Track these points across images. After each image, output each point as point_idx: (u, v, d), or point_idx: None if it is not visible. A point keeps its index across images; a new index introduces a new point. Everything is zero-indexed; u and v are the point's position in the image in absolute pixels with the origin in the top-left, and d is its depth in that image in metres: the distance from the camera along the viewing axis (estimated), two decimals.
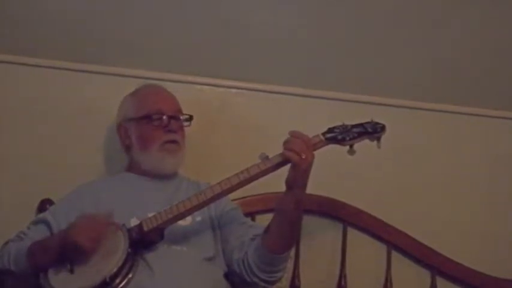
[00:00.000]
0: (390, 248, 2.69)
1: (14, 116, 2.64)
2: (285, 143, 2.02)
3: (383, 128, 2.10)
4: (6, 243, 2.20)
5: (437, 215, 2.78)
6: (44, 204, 2.49)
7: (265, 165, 2.04)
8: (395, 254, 2.70)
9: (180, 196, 2.22)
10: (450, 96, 2.84)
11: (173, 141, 2.30)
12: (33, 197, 2.52)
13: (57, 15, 2.58)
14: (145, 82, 2.48)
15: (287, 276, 2.54)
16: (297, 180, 2.03)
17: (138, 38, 2.65)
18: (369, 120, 2.11)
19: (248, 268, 2.13)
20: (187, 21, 2.64)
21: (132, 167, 2.37)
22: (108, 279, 1.95)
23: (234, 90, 2.77)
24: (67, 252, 2.00)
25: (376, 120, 2.13)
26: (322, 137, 2.07)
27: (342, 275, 2.64)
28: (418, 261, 2.71)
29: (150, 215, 2.09)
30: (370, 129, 2.09)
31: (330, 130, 2.08)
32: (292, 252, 2.32)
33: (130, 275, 2.00)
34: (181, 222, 2.14)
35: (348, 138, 2.07)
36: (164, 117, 2.31)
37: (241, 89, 2.77)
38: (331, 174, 2.62)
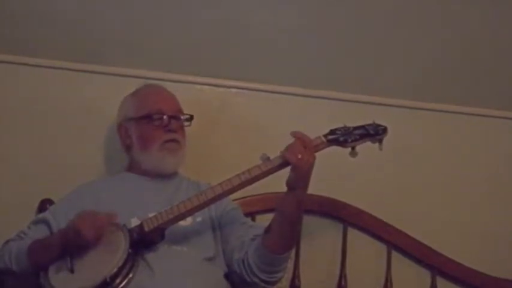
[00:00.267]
0: (390, 248, 2.69)
1: (14, 116, 2.63)
2: (288, 145, 2.02)
3: (385, 130, 2.11)
4: (7, 242, 2.20)
5: (437, 215, 2.78)
6: (44, 204, 2.49)
7: (266, 167, 2.05)
8: (395, 254, 2.70)
9: (180, 196, 2.23)
10: (450, 96, 2.84)
11: (173, 141, 2.30)
12: (33, 197, 2.52)
13: (57, 15, 2.58)
14: (146, 82, 2.48)
15: (287, 276, 2.54)
16: (297, 181, 2.03)
17: (138, 38, 2.65)
18: (370, 121, 2.11)
19: (248, 268, 2.13)
20: (187, 21, 2.64)
21: (133, 167, 2.37)
22: (108, 279, 1.95)
23: (234, 90, 2.77)
24: (69, 242, 2.01)
25: (376, 120, 2.13)
26: (323, 139, 2.07)
27: (342, 275, 2.64)
28: (418, 261, 2.71)
29: (151, 215, 2.10)
30: (372, 131, 2.10)
31: (332, 132, 2.09)
32: (293, 252, 2.32)
33: (130, 275, 2.00)
34: (181, 223, 2.14)
35: (349, 140, 2.07)
36: (165, 117, 2.31)
37: (241, 89, 2.77)
38: (332, 175, 2.62)
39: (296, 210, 2.07)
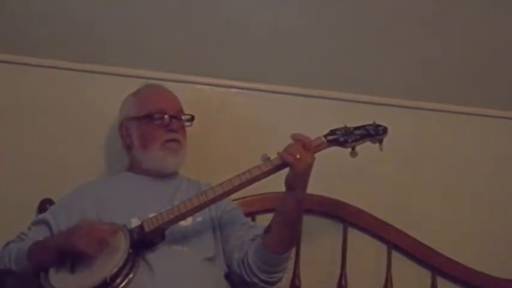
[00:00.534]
0: (390, 248, 2.69)
1: (14, 116, 2.63)
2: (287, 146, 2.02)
3: (385, 130, 2.11)
4: (7, 244, 2.19)
5: (437, 215, 2.78)
6: (44, 204, 2.49)
7: (267, 167, 2.05)
8: (395, 254, 2.70)
9: (180, 196, 2.23)
10: (450, 96, 2.84)
11: (174, 140, 2.31)
12: (33, 197, 2.52)
13: (57, 15, 2.58)
14: (146, 82, 2.49)
15: (287, 276, 2.54)
16: (295, 181, 2.03)
17: (138, 38, 2.65)
18: (370, 122, 2.12)
19: (248, 268, 2.13)
20: (188, 21, 2.64)
21: (133, 167, 2.37)
22: (108, 280, 1.95)
23: (234, 90, 2.77)
24: (67, 254, 2.01)
25: (376, 120, 2.13)
26: (324, 139, 2.07)
27: (342, 275, 2.64)
28: (418, 261, 2.71)
29: (151, 215, 2.10)
30: (372, 132, 2.10)
31: (332, 132, 2.09)
32: (293, 252, 2.31)
33: (131, 275, 2.00)
34: (182, 223, 2.14)
35: (350, 141, 2.08)
36: (166, 116, 2.31)
37: (242, 88, 2.77)
38: (332, 175, 2.62)
39: (295, 210, 2.07)
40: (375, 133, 2.10)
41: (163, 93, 2.41)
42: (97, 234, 1.99)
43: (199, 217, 2.20)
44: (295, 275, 2.61)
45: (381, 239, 2.71)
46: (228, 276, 2.21)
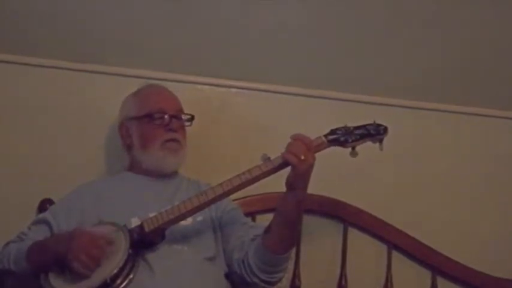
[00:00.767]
0: (391, 247, 2.69)
1: (14, 116, 2.63)
2: (288, 145, 2.02)
3: (385, 130, 2.11)
4: (7, 244, 2.19)
5: (437, 215, 2.78)
6: (44, 204, 2.49)
7: (267, 167, 2.04)
8: (395, 254, 2.70)
9: (180, 196, 2.23)
10: (450, 96, 2.84)
11: (174, 140, 2.31)
12: (33, 197, 2.53)
13: (57, 15, 2.58)
14: (146, 82, 2.49)
15: (287, 276, 2.54)
16: (297, 181, 2.03)
17: (138, 38, 2.65)
18: (371, 121, 2.11)
19: (248, 268, 2.13)
20: (188, 21, 2.64)
21: (133, 167, 2.38)
22: (109, 280, 1.95)
23: (234, 90, 2.77)
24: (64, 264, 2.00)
25: (377, 120, 2.13)
26: (324, 139, 2.07)
27: (343, 275, 2.64)
28: (418, 261, 2.71)
29: (151, 214, 2.10)
30: (372, 131, 2.09)
31: (332, 132, 2.08)
32: (293, 252, 2.31)
33: (131, 276, 2.00)
34: (182, 222, 2.14)
35: (350, 140, 2.07)
36: (166, 116, 2.31)
37: (242, 88, 2.77)
38: (332, 175, 2.62)
39: (296, 210, 2.07)
40: (375, 133, 2.10)
41: (164, 93, 2.41)
42: (92, 251, 1.97)
43: (199, 217, 2.20)
44: (295, 275, 2.61)
45: (381, 239, 2.71)
46: (228, 276, 2.21)
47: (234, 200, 2.37)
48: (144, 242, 2.06)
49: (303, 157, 1.98)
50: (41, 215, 2.29)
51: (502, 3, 2.65)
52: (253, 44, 2.70)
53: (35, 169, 2.60)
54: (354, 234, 2.70)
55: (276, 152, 2.04)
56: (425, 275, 2.71)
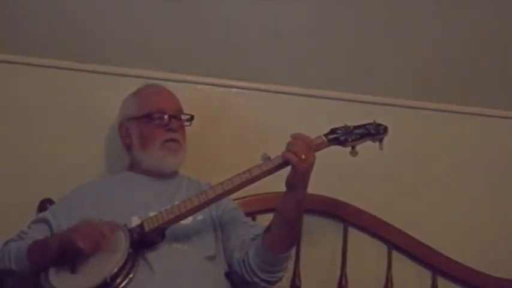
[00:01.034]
0: (391, 247, 2.69)
1: (14, 115, 2.63)
2: (288, 144, 2.02)
3: (385, 129, 2.11)
4: (7, 242, 2.19)
5: (437, 215, 2.78)
6: (44, 204, 2.49)
7: (267, 166, 2.04)
8: (395, 254, 2.70)
9: (180, 195, 2.23)
10: (450, 96, 2.84)
11: (174, 140, 2.31)
12: (33, 197, 2.52)
13: (57, 15, 2.58)
14: (146, 82, 2.49)
15: (288, 275, 2.54)
16: (297, 181, 2.03)
17: (138, 38, 2.65)
18: (371, 121, 2.11)
19: (248, 268, 2.13)
20: (188, 21, 2.64)
21: (133, 166, 2.38)
22: (109, 280, 1.95)
23: (234, 90, 2.77)
24: (66, 254, 2.00)
25: (376, 120, 2.13)
26: (324, 138, 2.07)
27: (343, 275, 2.64)
28: (418, 261, 2.71)
29: (151, 214, 2.10)
30: (372, 131, 2.10)
31: (332, 131, 2.08)
32: (293, 251, 2.31)
33: (131, 275, 2.00)
34: (182, 221, 2.13)
35: (350, 140, 2.07)
36: (165, 116, 2.31)
37: (242, 88, 2.77)
38: (332, 174, 2.62)
39: (296, 210, 2.07)
40: (375, 132, 2.10)
41: (163, 93, 2.41)
42: (96, 234, 1.99)
43: (199, 216, 2.20)
44: (296, 275, 2.61)
45: (381, 238, 2.71)
46: (228, 276, 2.21)
47: (234, 200, 2.37)
48: (144, 241, 2.06)
49: (303, 156, 1.98)
50: (41, 214, 2.29)
51: (502, 3, 2.65)
52: (253, 44, 2.70)
53: (35, 169, 2.60)
54: (354, 234, 2.69)
55: (276, 152, 2.04)
56: (426, 275, 2.71)
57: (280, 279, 2.18)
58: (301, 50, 2.72)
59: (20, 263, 2.09)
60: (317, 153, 2.04)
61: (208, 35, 2.68)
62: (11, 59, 2.64)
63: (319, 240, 2.69)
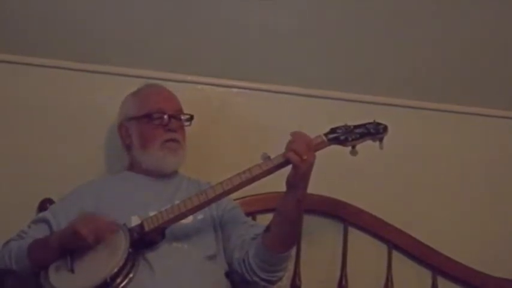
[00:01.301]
0: (391, 247, 2.69)
1: (14, 115, 2.63)
2: (288, 143, 2.02)
3: (385, 128, 2.11)
4: (7, 242, 2.20)
5: (437, 215, 2.78)
6: (45, 204, 2.49)
7: (267, 166, 2.04)
8: (396, 254, 2.70)
9: (180, 195, 2.24)
10: (450, 96, 2.84)
11: (173, 140, 2.31)
12: (33, 197, 2.52)
13: (57, 15, 2.58)
14: (146, 82, 2.49)
15: (288, 275, 2.54)
16: (298, 180, 2.03)
17: (138, 38, 2.65)
18: (371, 120, 2.11)
19: (249, 267, 2.13)
20: (188, 21, 2.64)
21: (133, 166, 2.38)
22: (109, 279, 1.95)
23: (234, 90, 2.77)
24: (68, 243, 2.00)
25: (376, 120, 2.13)
26: (324, 138, 2.07)
27: (343, 275, 2.64)
28: (419, 261, 2.71)
29: (151, 213, 2.10)
30: (372, 130, 2.10)
31: (332, 131, 2.08)
32: (293, 251, 2.31)
33: (131, 275, 2.00)
34: (182, 221, 2.13)
35: (350, 139, 2.07)
36: (165, 116, 2.31)
37: (242, 88, 2.77)
38: (332, 174, 2.62)
39: (295, 210, 2.07)
40: (375, 131, 2.10)
41: (163, 93, 2.41)
42: (99, 223, 2.00)
43: (200, 215, 2.20)
44: (296, 275, 2.61)
45: (381, 238, 2.71)
46: (228, 275, 2.21)
47: (234, 200, 2.37)
48: (144, 241, 2.06)
49: (305, 156, 1.98)
50: (41, 214, 2.30)
51: (502, 3, 2.65)
52: (253, 44, 2.70)
53: (35, 169, 2.60)
54: (354, 234, 2.69)
55: (276, 152, 2.04)
56: (426, 274, 2.71)
57: (280, 278, 2.18)
58: (301, 50, 2.72)
59: (20, 262, 2.09)
60: (317, 153, 2.04)
61: (208, 35, 2.68)
62: (11, 59, 2.64)
63: (319, 240, 2.69)
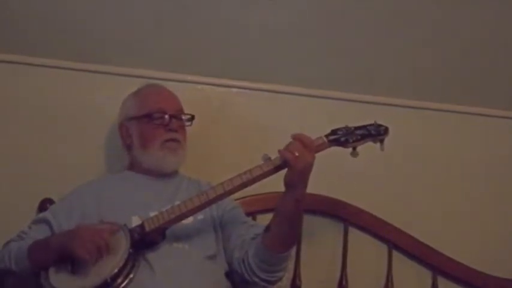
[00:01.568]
0: (391, 247, 2.69)
1: (14, 115, 2.63)
2: (287, 144, 2.02)
3: (386, 130, 2.11)
4: (8, 243, 2.19)
5: (437, 215, 2.78)
6: (45, 204, 2.49)
7: (268, 167, 2.04)
8: (396, 254, 2.70)
9: (181, 195, 2.24)
10: (450, 96, 2.84)
11: (174, 140, 2.31)
12: (33, 197, 2.52)
13: (57, 15, 2.58)
14: (146, 82, 2.49)
15: (288, 275, 2.54)
16: (294, 179, 2.02)
17: (138, 38, 2.65)
18: (371, 122, 2.12)
19: (248, 267, 2.13)
20: (188, 21, 2.64)
21: (133, 166, 2.37)
22: (109, 280, 1.95)
23: (234, 90, 2.77)
24: (67, 252, 2.00)
25: (377, 120, 2.13)
26: (325, 139, 2.07)
27: (343, 275, 2.64)
28: (419, 260, 2.71)
29: (152, 213, 2.10)
30: (373, 132, 2.10)
31: (333, 132, 2.08)
32: (293, 251, 2.32)
33: (131, 275, 2.00)
34: (183, 221, 2.13)
35: (351, 141, 2.08)
36: (165, 116, 2.31)
37: (242, 88, 2.77)
38: (333, 174, 2.63)
39: (294, 210, 2.06)
40: (376, 133, 2.10)
41: (163, 92, 2.41)
42: (97, 240, 1.98)
43: (200, 215, 2.20)
44: (296, 275, 2.61)
45: (381, 238, 2.71)
46: (228, 275, 2.21)
47: (234, 200, 2.37)
48: (144, 241, 2.06)
49: (297, 153, 1.98)
50: (41, 214, 2.29)
51: (502, 3, 2.65)
52: (253, 44, 2.70)
53: (35, 169, 2.60)
54: (354, 234, 2.70)
55: (276, 152, 2.04)
56: (426, 274, 2.71)
57: (280, 278, 2.18)
58: (301, 50, 2.72)
59: (20, 263, 2.09)
60: (317, 154, 2.03)
61: (208, 35, 2.68)
62: (11, 59, 2.64)
63: (320, 240, 2.69)
